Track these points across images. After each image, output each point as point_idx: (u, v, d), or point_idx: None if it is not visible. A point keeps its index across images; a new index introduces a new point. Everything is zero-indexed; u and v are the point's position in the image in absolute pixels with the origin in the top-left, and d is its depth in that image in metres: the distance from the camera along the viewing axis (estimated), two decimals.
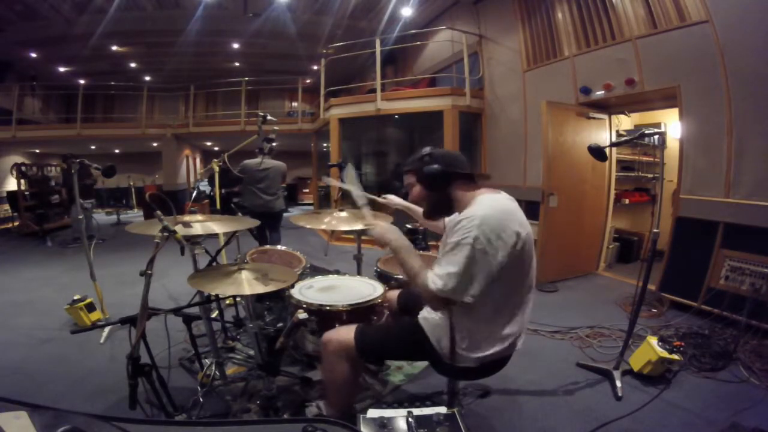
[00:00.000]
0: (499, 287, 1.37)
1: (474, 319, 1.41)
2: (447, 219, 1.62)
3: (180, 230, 1.56)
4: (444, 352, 1.47)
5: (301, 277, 2.29)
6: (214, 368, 2.19)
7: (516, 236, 1.33)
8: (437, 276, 1.34)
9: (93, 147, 11.09)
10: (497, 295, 1.38)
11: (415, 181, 1.53)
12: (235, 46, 9.59)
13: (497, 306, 1.40)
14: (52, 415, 0.70)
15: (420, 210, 1.97)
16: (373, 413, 0.93)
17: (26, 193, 7.72)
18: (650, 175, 5.33)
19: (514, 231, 1.33)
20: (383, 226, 1.58)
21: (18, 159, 8.75)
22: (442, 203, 1.52)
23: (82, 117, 9.23)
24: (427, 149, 1.51)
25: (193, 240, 2.08)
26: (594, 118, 4.44)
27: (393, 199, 2.14)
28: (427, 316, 1.54)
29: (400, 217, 2.29)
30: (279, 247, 2.89)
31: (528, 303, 1.48)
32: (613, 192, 4.73)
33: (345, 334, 1.55)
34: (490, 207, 1.36)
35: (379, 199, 2.16)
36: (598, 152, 2.33)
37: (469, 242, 1.29)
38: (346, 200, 2.93)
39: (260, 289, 1.61)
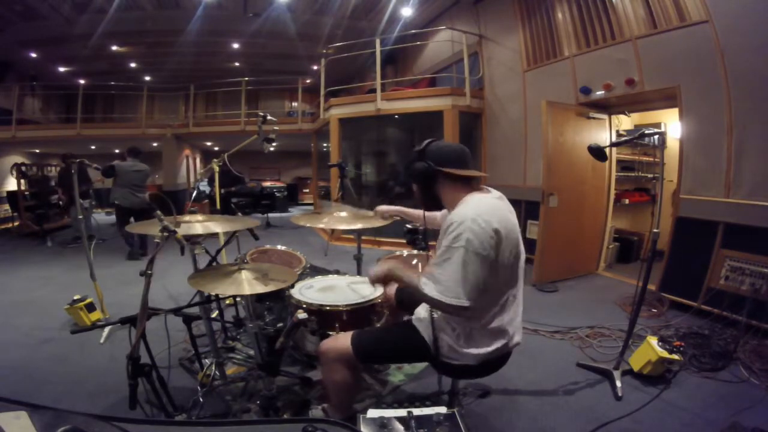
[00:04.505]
0: (489, 283, 1.37)
1: (467, 318, 1.41)
2: (441, 215, 1.64)
3: (180, 230, 1.56)
4: (440, 351, 1.47)
5: (301, 277, 2.29)
6: (214, 368, 2.19)
7: (497, 233, 1.33)
8: (435, 285, 1.33)
9: (93, 147, 11.08)
10: (487, 291, 1.38)
11: None
12: (235, 46, 9.58)
13: (488, 301, 1.41)
14: (52, 415, 0.70)
15: (414, 212, 1.98)
16: (373, 413, 0.93)
17: (26, 193, 7.72)
18: (650, 175, 5.33)
19: (497, 227, 1.34)
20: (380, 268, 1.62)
21: (18, 159, 8.73)
22: (429, 198, 1.54)
23: (82, 117, 9.22)
24: (426, 142, 1.51)
25: (193, 240, 2.08)
26: (594, 118, 4.44)
27: (383, 209, 2.14)
28: (421, 317, 1.55)
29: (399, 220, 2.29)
30: (279, 247, 2.89)
31: (518, 296, 1.49)
32: (613, 192, 4.73)
33: (342, 341, 1.55)
34: (476, 207, 1.37)
35: (370, 214, 2.16)
36: (598, 152, 2.33)
37: (462, 245, 1.29)
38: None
39: (260, 289, 1.61)
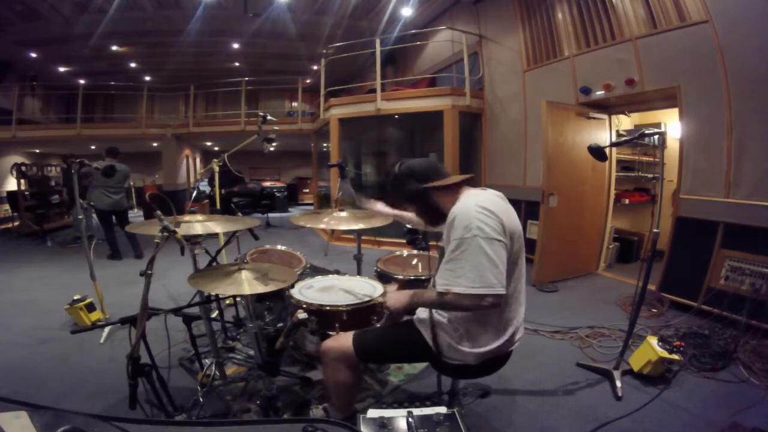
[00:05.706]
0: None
1: (469, 316, 1.41)
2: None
3: (180, 230, 1.56)
4: (441, 350, 1.47)
5: (301, 277, 2.29)
6: (214, 368, 2.19)
7: (500, 219, 1.34)
8: (459, 280, 1.28)
9: (93, 147, 11.08)
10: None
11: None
12: (235, 46, 9.59)
13: None
14: (52, 415, 0.70)
15: (410, 216, 1.97)
16: (373, 413, 0.93)
17: (26, 193, 7.72)
18: (650, 175, 5.33)
19: (500, 215, 1.34)
20: (391, 296, 1.59)
21: (18, 159, 8.74)
22: (430, 212, 1.55)
23: (82, 117, 9.21)
24: (394, 169, 1.54)
25: (193, 240, 2.09)
26: (594, 118, 4.44)
27: (379, 207, 2.12)
28: (422, 317, 1.55)
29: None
30: (279, 247, 2.89)
31: (521, 294, 1.49)
32: (613, 192, 4.73)
33: (343, 341, 1.55)
34: (476, 197, 1.39)
35: (365, 205, 2.15)
36: (598, 152, 2.33)
37: (475, 233, 1.28)
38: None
39: (260, 289, 1.61)
